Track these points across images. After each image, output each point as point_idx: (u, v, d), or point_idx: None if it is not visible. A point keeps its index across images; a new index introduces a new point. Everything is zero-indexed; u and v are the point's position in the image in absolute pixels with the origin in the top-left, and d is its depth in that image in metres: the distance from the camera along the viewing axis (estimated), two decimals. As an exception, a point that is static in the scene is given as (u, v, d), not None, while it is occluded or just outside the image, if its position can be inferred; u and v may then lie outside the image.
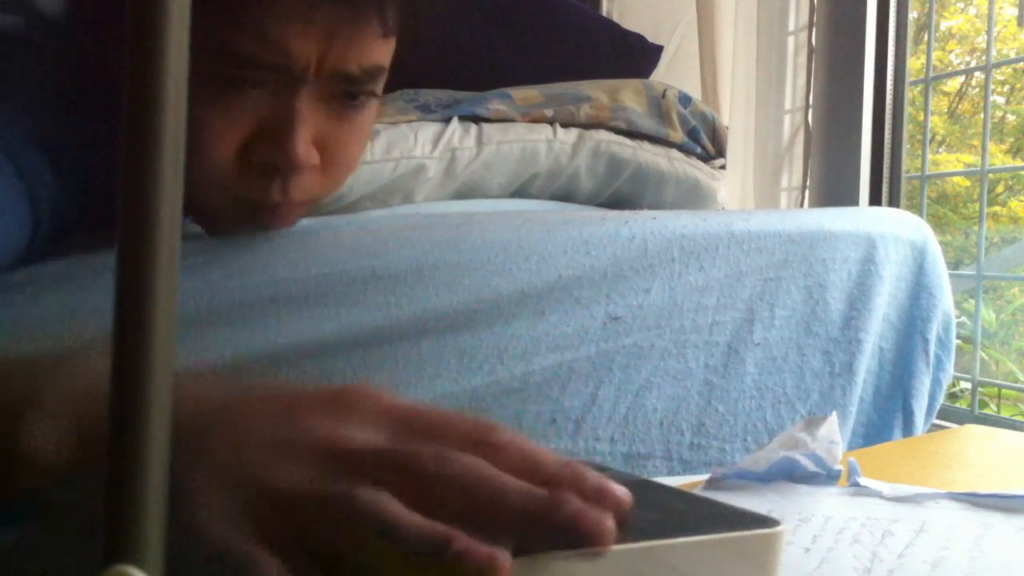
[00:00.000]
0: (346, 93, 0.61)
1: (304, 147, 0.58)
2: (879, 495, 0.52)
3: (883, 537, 0.45)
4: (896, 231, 0.84)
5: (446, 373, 0.65)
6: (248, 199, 0.60)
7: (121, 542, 0.21)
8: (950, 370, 0.87)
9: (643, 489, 0.37)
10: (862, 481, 0.54)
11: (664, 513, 0.35)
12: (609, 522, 0.30)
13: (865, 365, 0.81)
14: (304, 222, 0.68)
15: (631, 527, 0.32)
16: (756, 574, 0.34)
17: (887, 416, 0.84)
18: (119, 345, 0.21)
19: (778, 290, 0.77)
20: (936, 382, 0.86)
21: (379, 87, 0.63)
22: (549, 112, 1.24)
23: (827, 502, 0.51)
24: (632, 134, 1.29)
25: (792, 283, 0.78)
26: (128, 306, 0.21)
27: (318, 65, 0.57)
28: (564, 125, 1.24)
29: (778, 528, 0.34)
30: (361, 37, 0.58)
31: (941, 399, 0.88)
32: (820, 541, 0.45)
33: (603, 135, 1.25)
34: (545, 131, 1.20)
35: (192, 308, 0.59)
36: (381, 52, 0.61)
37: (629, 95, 1.30)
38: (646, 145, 1.29)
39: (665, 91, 1.33)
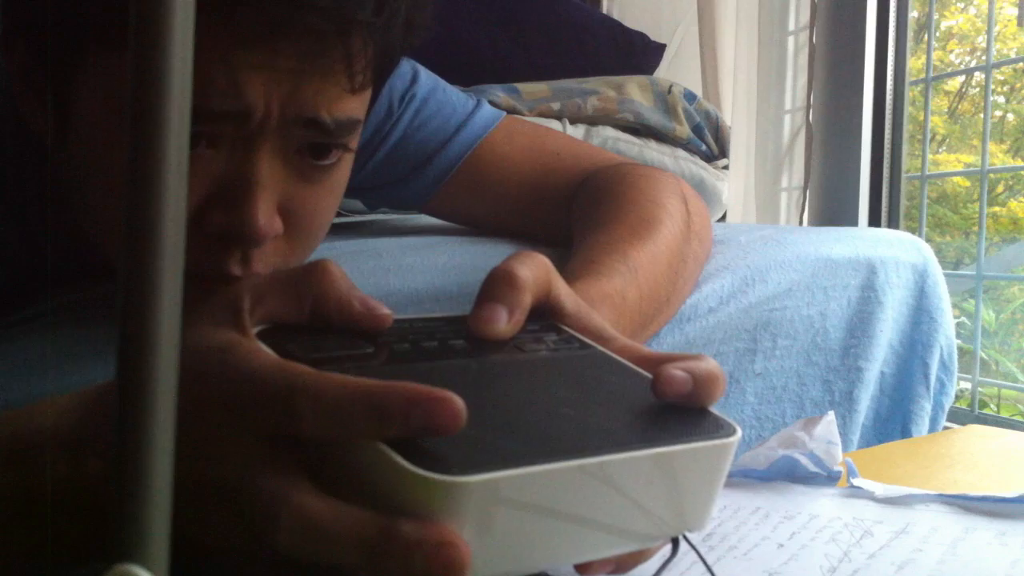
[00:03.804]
0: (315, 149, 0.52)
1: (265, 215, 0.50)
2: (871, 496, 0.52)
3: (861, 537, 0.46)
4: (896, 254, 0.83)
5: None
6: (204, 273, 0.50)
7: (125, 540, 0.21)
8: (952, 394, 0.87)
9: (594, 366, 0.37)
10: (856, 482, 0.54)
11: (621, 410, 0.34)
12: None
13: (867, 393, 0.81)
14: None
15: (568, 440, 0.31)
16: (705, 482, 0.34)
17: (885, 441, 0.83)
18: (123, 340, 0.21)
19: (781, 320, 0.76)
20: (938, 405, 0.85)
21: (354, 141, 0.54)
22: (556, 106, 1.25)
23: (819, 502, 0.52)
24: (638, 130, 1.29)
25: (795, 312, 0.77)
26: (132, 302, 0.21)
27: (281, 112, 0.48)
28: (572, 119, 1.24)
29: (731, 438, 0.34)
30: (329, 86, 0.50)
31: (943, 423, 0.87)
32: (796, 538, 0.46)
33: (609, 132, 1.25)
34: (553, 126, 1.20)
35: None
36: (354, 104, 0.52)
37: (635, 90, 1.31)
38: (652, 143, 1.29)
39: (671, 87, 1.34)
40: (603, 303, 0.53)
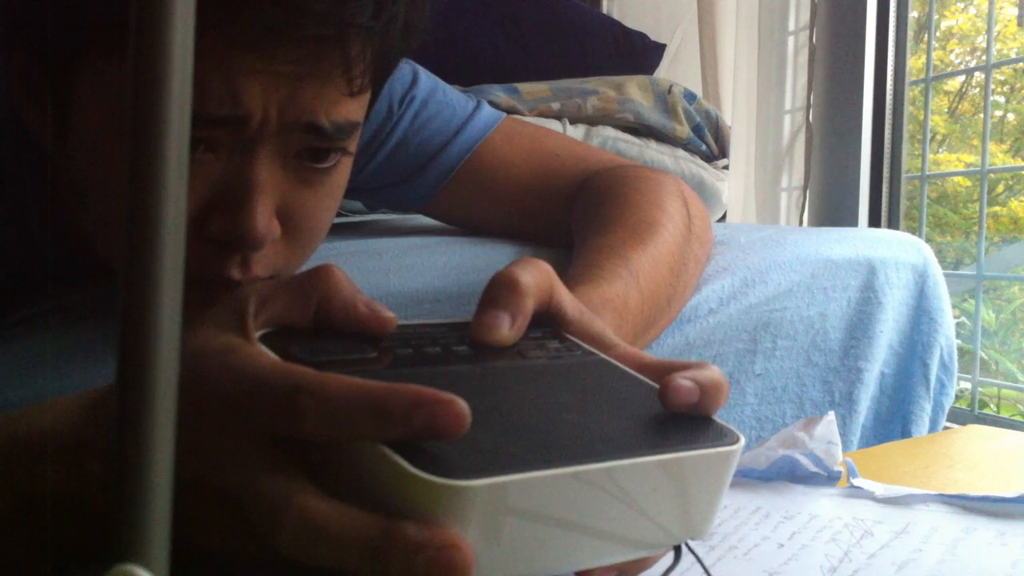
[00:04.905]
0: (313, 153, 0.52)
1: (264, 220, 0.50)
2: (871, 496, 0.52)
3: (861, 537, 0.46)
4: (896, 255, 0.83)
5: None
6: (204, 277, 0.51)
7: (126, 541, 0.21)
8: (952, 394, 0.87)
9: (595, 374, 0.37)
10: (856, 482, 0.54)
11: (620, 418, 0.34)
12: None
13: (867, 394, 0.81)
14: None
15: (568, 441, 0.31)
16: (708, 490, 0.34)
17: (885, 441, 0.83)
18: (124, 342, 0.21)
19: (781, 320, 0.76)
20: (938, 406, 0.85)
21: (353, 144, 0.55)
22: (556, 106, 1.25)
23: (819, 502, 0.52)
24: (638, 130, 1.29)
25: (795, 313, 0.77)
26: (133, 304, 0.21)
27: (279, 117, 0.48)
28: (572, 119, 1.24)
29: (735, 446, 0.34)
30: (327, 91, 0.50)
31: (943, 423, 0.87)
32: (797, 538, 0.46)
33: (609, 132, 1.25)
34: (553, 126, 1.20)
35: None
36: (353, 108, 0.52)
37: (635, 90, 1.31)
38: (652, 144, 1.29)
39: (671, 87, 1.34)
40: (605, 308, 0.53)
